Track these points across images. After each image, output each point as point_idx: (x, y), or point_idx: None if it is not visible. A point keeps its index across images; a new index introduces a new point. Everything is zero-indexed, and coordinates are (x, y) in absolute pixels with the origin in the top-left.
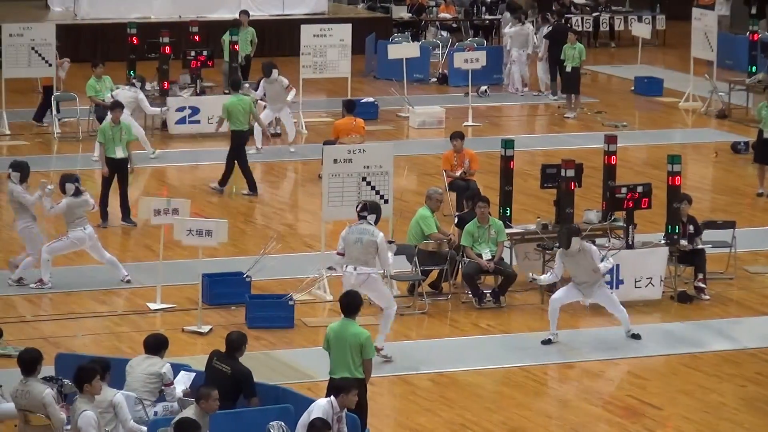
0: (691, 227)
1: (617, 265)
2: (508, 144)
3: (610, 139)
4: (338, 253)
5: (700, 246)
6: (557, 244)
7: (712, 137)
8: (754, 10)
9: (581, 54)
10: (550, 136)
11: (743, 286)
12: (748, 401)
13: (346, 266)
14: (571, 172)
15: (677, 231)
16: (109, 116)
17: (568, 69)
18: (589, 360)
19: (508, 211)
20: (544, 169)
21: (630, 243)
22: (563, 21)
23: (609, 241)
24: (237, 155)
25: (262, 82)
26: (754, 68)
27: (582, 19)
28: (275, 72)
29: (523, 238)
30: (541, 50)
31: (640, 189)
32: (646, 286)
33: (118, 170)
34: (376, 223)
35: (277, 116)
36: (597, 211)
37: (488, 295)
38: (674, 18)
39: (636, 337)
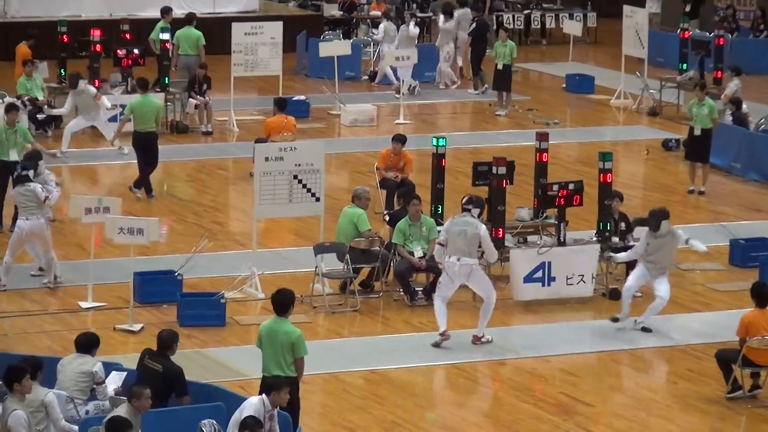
0: (622, 224)
1: (549, 263)
2: (439, 141)
3: (542, 137)
4: (439, 243)
5: (631, 243)
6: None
7: (643, 134)
8: (688, 8)
9: (512, 51)
10: (481, 134)
11: (674, 283)
12: (680, 398)
13: (449, 257)
14: (502, 170)
15: (608, 228)
16: (3, 118)
17: (500, 67)
18: (522, 357)
19: (440, 209)
20: (475, 166)
21: (562, 240)
22: (486, 16)
23: (541, 238)
24: (144, 155)
25: (70, 94)
26: (685, 66)
27: (513, 16)
28: (82, 83)
29: None
30: (447, 48)
31: (571, 186)
32: (578, 284)
33: (10, 173)
34: (479, 216)
35: (92, 125)
36: (529, 208)
37: (420, 292)
38: (605, 15)
39: (646, 330)
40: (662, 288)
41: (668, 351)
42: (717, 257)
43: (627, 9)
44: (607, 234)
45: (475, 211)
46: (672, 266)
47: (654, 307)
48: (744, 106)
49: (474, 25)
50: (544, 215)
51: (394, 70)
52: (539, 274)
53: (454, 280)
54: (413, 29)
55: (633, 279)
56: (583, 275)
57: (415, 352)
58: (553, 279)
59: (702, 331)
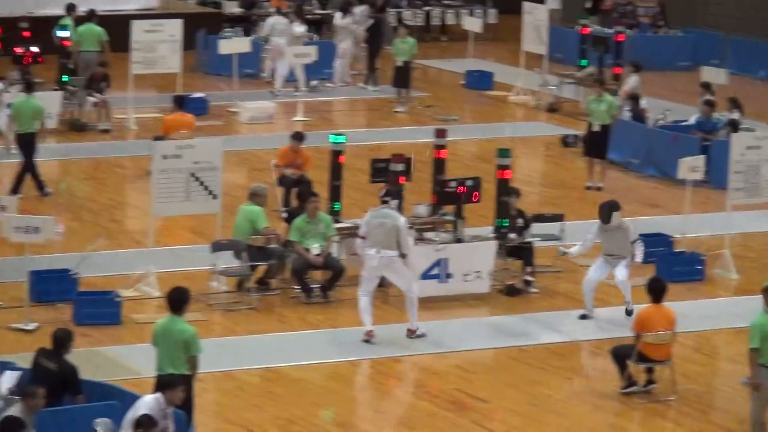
0: (520, 221)
1: (446, 259)
2: (337, 138)
3: (440, 133)
4: (359, 236)
5: (528, 239)
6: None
7: (542, 131)
8: (588, 5)
9: (412, 48)
10: (380, 131)
11: (571, 279)
12: (575, 393)
13: (369, 249)
14: (400, 166)
15: (506, 225)
16: None
17: (399, 63)
18: (417, 354)
19: (338, 206)
20: (373, 163)
21: (459, 237)
22: (382, 13)
23: (438, 234)
24: (24, 156)
25: None
26: (584, 62)
27: (413, 13)
28: None
29: (352, 232)
30: (342, 45)
31: (469, 183)
32: (475, 280)
33: None
34: (398, 208)
35: None
36: (427, 205)
37: (317, 289)
38: (505, 12)
39: (629, 313)
40: (620, 273)
41: (564, 347)
42: None
43: (527, 5)
44: (504, 230)
45: (394, 203)
46: (631, 254)
47: (625, 291)
48: (642, 101)
49: (371, 22)
50: (442, 212)
51: (291, 67)
52: (436, 270)
53: (375, 272)
54: (297, 28)
55: (592, 272)
56: (480, 272)
57: (311, 349)
58: (450, 275)
59: (597, 326)
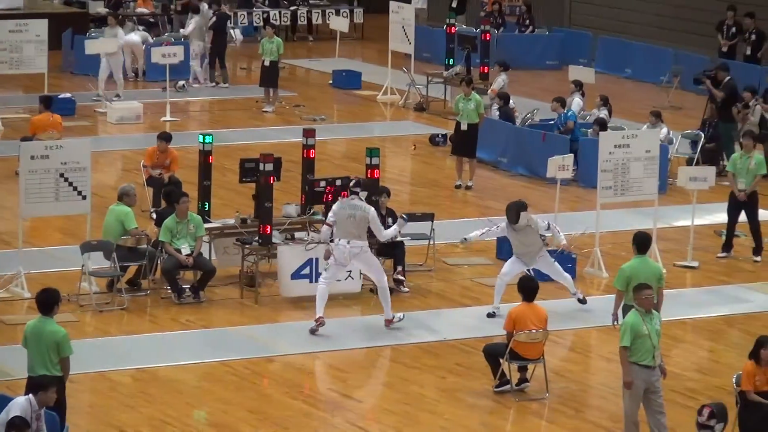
0: (390, 220)
1: (316, 259)
2: (206, 139)
3: (309, 133)
4: (326, 224)
5: (399, 238)
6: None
7: (410, 130)
8: (455, 4)
9: (279, 48)
10: (249, 130)
11: (442, 278)
12: (448, 392)
13: (339, 239)
14: (269, 166)
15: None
16: None
17: (267, 63)
18: (290, 354)
19: (207, 206)
20: (242, 163)
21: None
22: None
23: (308, 234)
24: None
25: None
26: (451, 61)
27: (280, 12)
28: None
29: (222, 232)
30: (193, 45)
31: (339, 182)
32: (346, 279)
33: None
34: (367, 199)
35: None
36: (296, 204)
37: (187, 290)
38: (372, 11)
39: (582, 301)
40: (557, 273)
41: (437, 346)
42: (484, 252)
43: (393, 5)
44: None
45: (363, 194)
46: (543, 248)
47: (567, 284)
48: (510, 101)
49: (214, 18)
50: (312, 211)
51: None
52: (307, 270)
53: (343, 262)
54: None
55: (507, 267)
56: (350, 271)
57: (183, 349)
58: (321, 275)
59: (470, 325)
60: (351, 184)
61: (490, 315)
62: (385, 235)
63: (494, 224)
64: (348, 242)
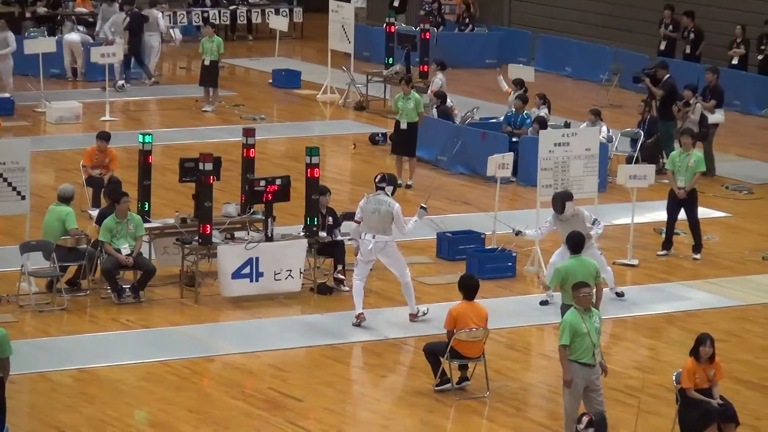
0: (330, 219)
1: (257, 258)
2: (145, 138)
3: (248, 132)
4: (355, 221)
5: (339, 237)
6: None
7: (350, 129)
8: (396, 3)
9: (219, 47)
10: (188, 130)
11: (382, 277)
12: (389, 391)
13: (365, 234)
14: (209, 166)
15: (316, 223)
16: None
17: (206, 62)
18: (231, 353)
19: (147, 206)
20: (182, 162)
21: (269, 236)
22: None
23: (248, 234)
24: None
25: None
26: (391, 60)
27: (219, 12)
28: None
29: (162, 232)
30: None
31: (279, 182)
32: (286, 279)
33: None
34: (392, 194)
35: None
36: (236, 204)
37: (127, 290)
38: (312, 10)
39: (620, 295)
40: (598, 264)
41: (377, 345)
42: (424, 250)
43: (333, 4)
44: (314, 229)
45: (389, 189)
46: (590, 239)
47: (608, 278)
48: (449, 99)
49: (128, 19)
50: (252, 211)
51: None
52: (247, 270)
53: (369, 257)
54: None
55: (556, 257)
56: (291, 270)
57: (123, 349)
58: (262, 274)
59: (411, 324)
60: (377, 179)
61: (543, 303)
62: (407, 230)
63: (544, 221)
64: (373, 237)
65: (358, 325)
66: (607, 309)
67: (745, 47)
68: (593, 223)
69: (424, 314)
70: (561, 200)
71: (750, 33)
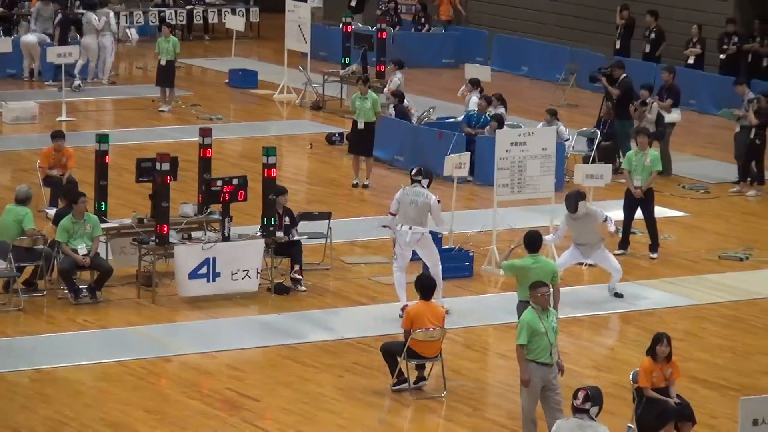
0: (287, 219)
1: (213, 258)
2: (102, 138)
3: (205, 132)
4: (391, 213)
5: (296, 237)
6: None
7: (307, 129)
8: (354, 2)
9: (175, 47)
10: (145, 130)
11: (340, 277)
12: (346, 391)
13: (401, 226)
14: (166, 166)
15: (273, 223)
16: None
17: (163, 62)
18: (188, 353)
19: (104, 206)
20: (139, 163)
21: (226, 236)
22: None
23: (205, 234)
24: None
25: None
26: (347, 60)
27: (176, 12)
28: None
29: (119, 232)
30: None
31: (235, 181)
32: (243, 279)
33: None
34: (428, 186)
35: None
36: (193, 204)
37: (84, 290)
38: (268, 10)
39: (618, 296)
40: (610, 265)
41: (335, 344)
42: (381, 250)
43: (290, 4)
44: (271, 229)
45: (425, 182)
46: (602, 241)
47: (615, 277)
48: (405, 99)
49: (60, 17)
50: (209, 211)
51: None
52: (204, 270)
53: (407, 248)
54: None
55: (566, 256)
56: (248, 270)
57: (80, 350)
58: (218, 275)
59: (368, 324)
60: (413, 173)
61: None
62: (444, 224)
63: (560, 226)
64: (410, 228)
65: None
66: (563, 308)
67: (702, 47)
68: (605, 220)
69: (446, 312)
70: (575, 200)
71: (710, 33)
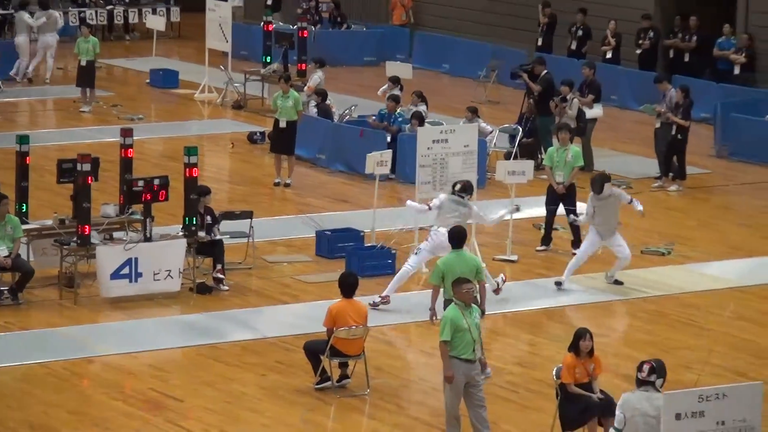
0: (208, 218)
1: (135, 258)
2: (23, 140)
3: (126, 132)
4: (429, 206)
5: (218, 237)
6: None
7: (228, 128)
8: (270, 1)
9: (95, 47)
10: (66, 131)
11: (262, 276)
12: (269, 390)
13: (438, 227)
14: (87, 167)
15: (195, 223)
16: None
17: (83, 63)
18: (110, 354)
19: (25, 207)
20: (60, 163)
21: (148, 236)
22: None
23: (127, 234)
24: None
25: None
26: (268, 58)
27: (96, 12)
28: None
29: (41, 233)
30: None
31: (157, 182)
32: (165, 279)
33: None
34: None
35: None
36: (115, 204)
37: (6, 292)
38: (188, 10)
39: (618, 283)
40: (621, 248)
41: (257, 344)
42: (304, 249)
43: (210, 3)
44: (193, 228)
45: (467, 198)
46: (618, 225)
47: (620, 263)
48: (328, 97)
49: None
50: (131, 211)
51: None
52: (126, 270)
53: (436, 251)
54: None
55: (587, 245)
56: (170, 270)
57: (2, 351)
58: (141, 275)
59: (291, 322)
60: (456, 188)
61: (558, 284)
62: (491, 220)
63: (586, 209)
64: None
65: (377, 305)
66: (487, 305)
67: (617, 42)
68: (630, 202)
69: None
70: (600, 181)
71: (631, 28)
